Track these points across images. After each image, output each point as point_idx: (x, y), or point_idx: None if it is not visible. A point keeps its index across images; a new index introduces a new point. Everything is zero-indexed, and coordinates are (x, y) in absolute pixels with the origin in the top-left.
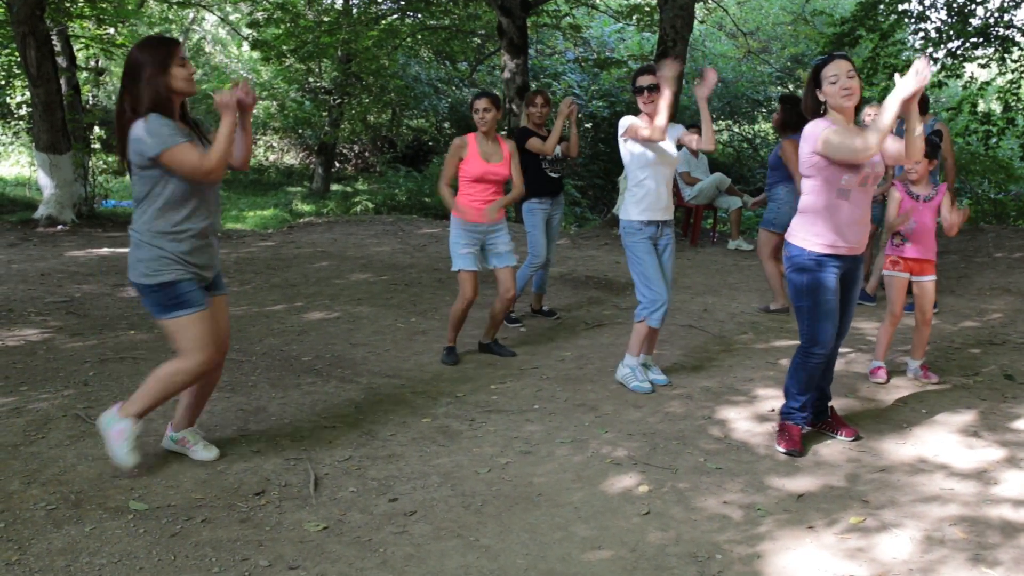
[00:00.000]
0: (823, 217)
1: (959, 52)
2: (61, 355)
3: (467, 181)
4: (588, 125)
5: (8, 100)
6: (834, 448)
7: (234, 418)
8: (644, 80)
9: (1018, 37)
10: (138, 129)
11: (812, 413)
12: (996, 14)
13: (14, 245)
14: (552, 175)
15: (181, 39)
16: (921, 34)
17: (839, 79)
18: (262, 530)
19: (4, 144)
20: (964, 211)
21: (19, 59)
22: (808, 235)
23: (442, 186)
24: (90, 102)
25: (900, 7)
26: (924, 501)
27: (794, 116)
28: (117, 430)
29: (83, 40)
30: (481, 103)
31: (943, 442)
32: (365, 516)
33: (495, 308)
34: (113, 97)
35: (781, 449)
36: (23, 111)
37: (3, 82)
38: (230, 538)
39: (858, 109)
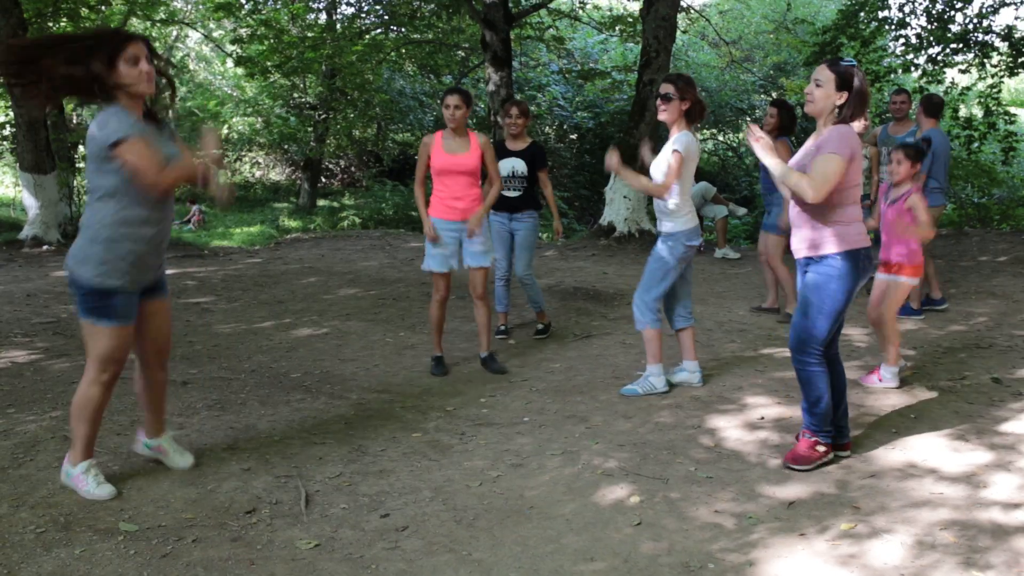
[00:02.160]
0: None
1: (939, 58)
2: (48, 376)
3: (436, 176)
4: (573, 136)
5: None
6: None
7: (223, 436)
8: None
9: (997, 42)
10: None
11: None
12: (975, 20)
13: None
14: (505, 194)
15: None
16: (901, 40)
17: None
18: (253, 548)
19: None
20: (918, 212)
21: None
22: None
23: (416, 188)
24: (74, 121)
25: (880, 14)
26: (914, 506)
27: (786, 119)
28: (76, 477)
29: None
30: (452, 99)
31: (932, 447)
32: (357, 532)
33: (476, 312)
34: None
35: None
36: (7, 131)
37: None
38: (221, 557)
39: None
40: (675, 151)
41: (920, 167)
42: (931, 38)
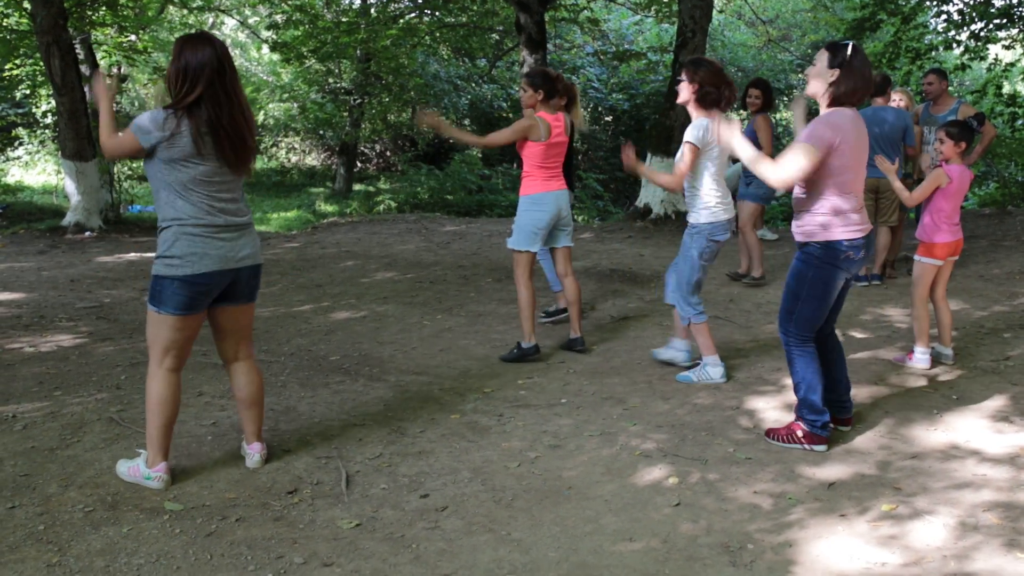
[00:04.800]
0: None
1: (982, 34)
2: (93, 360)
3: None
4: (609, 118)
5: (34, 109)
6: (864, 436)
7: (265, 418)
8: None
9: None
10: None
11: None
12: None
13: (43, 252)
14: None
15: None
16: (943, 17)
17: None
18: (296, 528)
19: (31, 153)
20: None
21: (44, 68)
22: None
23: None
24: (113, 109)
25: None
26: (957, 487)
27: (768, 98)
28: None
29: (106, 48)
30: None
31: (974, 427)
32: (397, 512)
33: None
34: (136, 103)
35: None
36: (49, 120)
37: (29, 91)
38: (264, 536)
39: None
40: (687, 142)
41: (965, 145)
42: (974, 14)
